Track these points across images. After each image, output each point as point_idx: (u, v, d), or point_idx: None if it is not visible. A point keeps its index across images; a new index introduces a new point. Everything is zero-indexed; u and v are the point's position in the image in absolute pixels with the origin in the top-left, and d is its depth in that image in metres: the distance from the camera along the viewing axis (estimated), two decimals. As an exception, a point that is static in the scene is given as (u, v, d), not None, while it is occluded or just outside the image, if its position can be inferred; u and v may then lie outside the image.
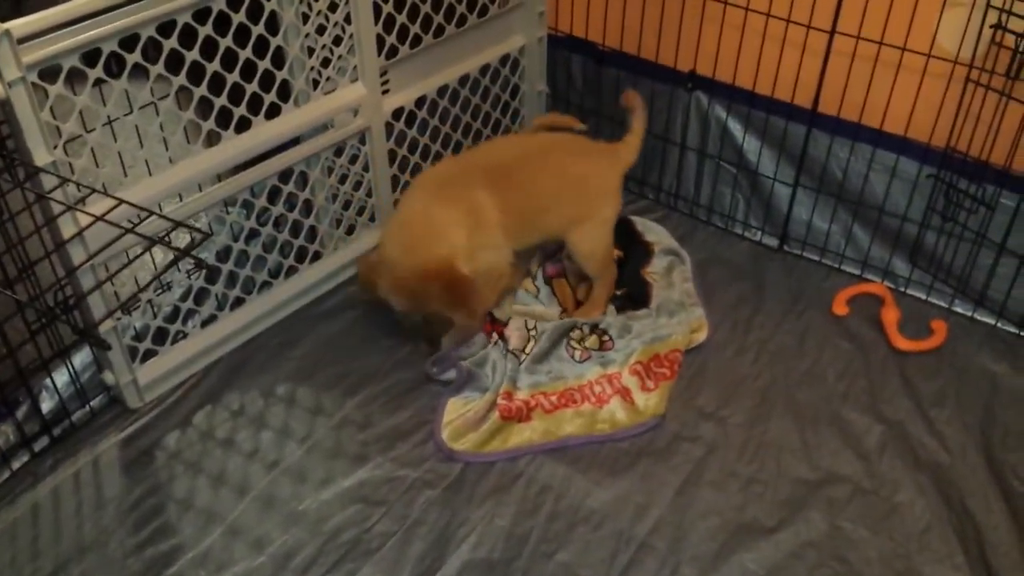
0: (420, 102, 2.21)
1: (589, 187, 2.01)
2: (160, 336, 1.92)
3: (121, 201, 1.49)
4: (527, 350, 1.96)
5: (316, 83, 1.96)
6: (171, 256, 1.99)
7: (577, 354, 1.97)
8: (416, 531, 1.65)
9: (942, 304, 2.14)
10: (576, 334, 2.00)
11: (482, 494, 1.72)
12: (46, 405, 1.83)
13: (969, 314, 2.11)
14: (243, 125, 1.86)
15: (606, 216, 2.05)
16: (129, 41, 1.59)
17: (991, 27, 1.84)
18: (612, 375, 1.93)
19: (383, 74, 2.07)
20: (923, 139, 2.04)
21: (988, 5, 1.83)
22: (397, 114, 2.15)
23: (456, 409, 1.87)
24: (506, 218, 1.92)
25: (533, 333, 2.00)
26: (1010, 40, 1.82)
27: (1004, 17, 1.81)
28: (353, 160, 2.12)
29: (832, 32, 2.03)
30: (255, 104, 1.85)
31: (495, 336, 2.00)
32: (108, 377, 1.84)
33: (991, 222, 2.00)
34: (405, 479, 1.75)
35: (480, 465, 1.77)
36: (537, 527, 1.66)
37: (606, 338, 2.00)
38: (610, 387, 1.91)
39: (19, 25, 1.44)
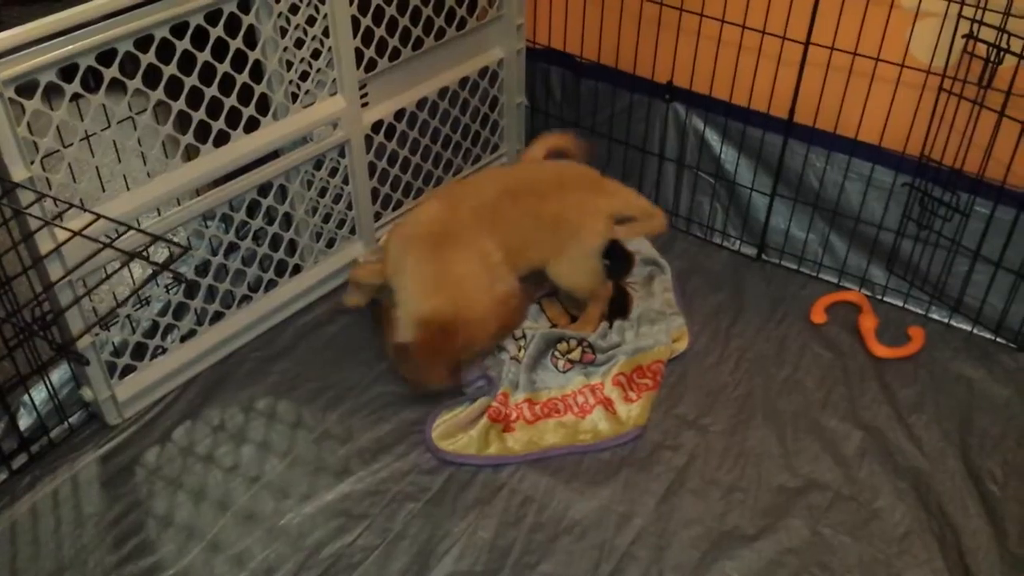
0: (400, 115, 2.21)
1: (561, 227, 1.97)
2: (139, 351, 1.91)
3: (99, 216, 1.48)
4: (519, 357, 1.97)
5: (295, 96, 1.96)
6: (149, 271, 1.98)
7: (560, 364, 1.98)
8: (398, 544, 1.65)
9: (919, 311, 2.16)
10: (562, 346, 2.01)
11: (464, 506, 1.72)
12: (24, 422, 1.81)
13: (945, 321, 2.13)
14: (222, 139, 1.85)
15: (582, 252, 2.00)
16: (106, 56, 1.59)
17: (963, 37, 1.87)
18: (595, 385, 1.94)
19: (362, 87, 2.07)
20: (898, 148, 2.06)
21: (960, 15, 1.85)
22: (377, 127, 2.16)
23: (451, 411, 1.88)
24: (503, 255, 1.92)
25: (522, 343, 2.00)
26: (982, 49, 1.84)
27: (975, 27, 1.83)
28: (333, 173, 2.12)
29: (807, 43, 2.05)
30: (233, 118, 1.85)
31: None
32: (86, 393, 1.83)
33: (966, 229, 2.02)
34: (387, 492, 1.74)
35: (462, 477, 1.77)
36: (520, 538, 1.66)
37: (588, 349, 2.00)
38: (592, 397, 1.92)
39: (-5, 41, 1.44)
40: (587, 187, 2.01)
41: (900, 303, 2.18)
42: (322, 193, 2.13)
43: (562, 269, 2.01)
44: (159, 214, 1.83)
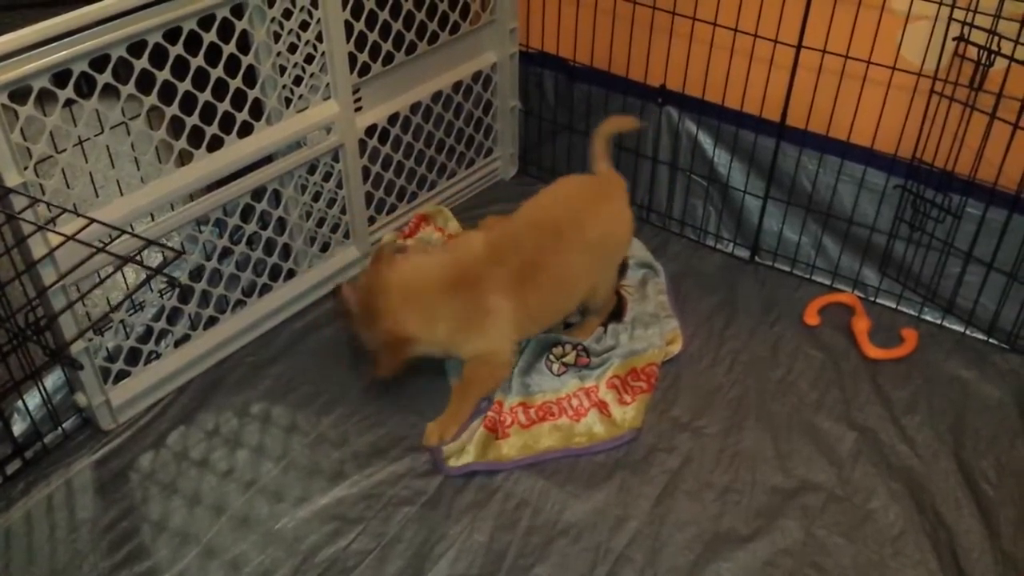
0: (393, 119, 2.22)
1: (611, 244, 1.98)
2: (133, 356, 1.90)
3: (92, 220, 1.48)
4: (514, 364, 1.97)
5: (288, 101, 1.96)
6: (143, 276, 1.98)
7: (555, 368, 1.98)
8: (394, 548, 1.65)
9: (911, 312, 2.17)
10: (557, 350, 2.01)
11: (459, 509, 1.72)
12: (17, 427, 1.81)
13: (938, 322, 2.14)
14: (215, 144, 1.85)
15: (613, 264, 2.01)
16: (100, 61, 1.59)
17: (954, 39, 1.88)
18: (589, 388, 1.94)
19: (355, 91, 2.07)
20: (890, 150, 2.07)
21: (951, 18, 1.86)
22: (370, 131, 2.16)
23: None
24: (524, 317, 1.88)
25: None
26: (973, 52, 1.85)
27: (967, 29, 1.84)
28: (327, 177, 2.12)
29: (799, 46, 2.05)
30: (227, 123, 1.85)
31: None
32: (80, 399, 1.83)
33: (958, 231, 2.03)
34: (382, 496, 1.74)
35: (457, 481, 1.77)
36: (515, 542, 1.66)
37: (583, 353, 2.01)
38: (587, 400, 1.92)
39: (-12, 46, 1.44)
40: (615, 196, 2.00)
41: (893, 305, 2.19)
42: (316, 197, 2.13)
43: (599, 289, 1.99)
44: (153, 219, 1.83)
